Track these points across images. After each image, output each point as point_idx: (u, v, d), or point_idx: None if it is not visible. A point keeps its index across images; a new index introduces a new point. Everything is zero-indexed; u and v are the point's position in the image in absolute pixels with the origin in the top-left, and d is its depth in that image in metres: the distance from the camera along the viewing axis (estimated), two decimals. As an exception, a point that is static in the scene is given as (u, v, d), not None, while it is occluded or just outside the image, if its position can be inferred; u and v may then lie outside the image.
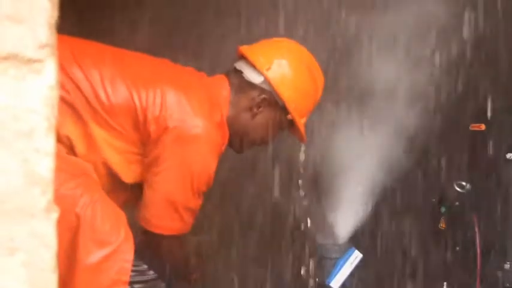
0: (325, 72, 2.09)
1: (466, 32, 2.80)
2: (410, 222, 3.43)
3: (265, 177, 3.17)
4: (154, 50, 2.08)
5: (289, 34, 2.25)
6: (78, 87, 1.77)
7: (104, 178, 1.81)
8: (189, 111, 1.82)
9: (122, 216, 1.75)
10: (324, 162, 3.19)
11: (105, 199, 1.75)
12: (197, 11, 3.10)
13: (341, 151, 3.11)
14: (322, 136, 3.19)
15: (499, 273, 2.47)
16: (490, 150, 2.52)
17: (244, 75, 1.96)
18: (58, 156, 1.00)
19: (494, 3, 2.77)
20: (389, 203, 3.44)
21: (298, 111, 1.98)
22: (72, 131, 1.77)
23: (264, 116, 1.97)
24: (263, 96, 1.95)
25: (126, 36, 2.83)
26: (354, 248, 2.44)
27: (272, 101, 1.95)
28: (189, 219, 1.87)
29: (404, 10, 2.74)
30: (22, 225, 1.02)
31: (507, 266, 2.48)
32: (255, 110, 1.95)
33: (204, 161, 1.84)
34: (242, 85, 1.96)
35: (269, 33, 2.26)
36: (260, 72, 1.94)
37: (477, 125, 2.55)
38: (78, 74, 1.78)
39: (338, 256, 2.41)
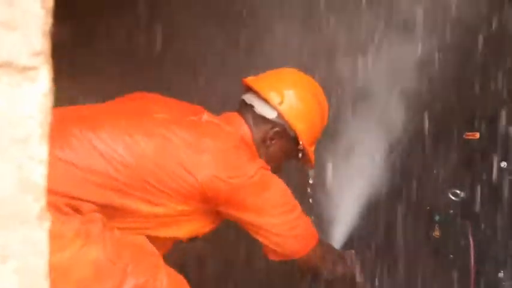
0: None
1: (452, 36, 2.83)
2: (404, 230, 3.44)
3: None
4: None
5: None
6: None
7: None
8: (238, 165, 1.86)
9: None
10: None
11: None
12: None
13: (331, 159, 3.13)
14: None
15: (493, 282, 2.48)
16: (484, 159, 2.53)
17: (256, 110, 1.98)
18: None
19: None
20: (383, 211, 3.45)
21: (309, 140, 2.02)
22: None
23: (276, 148, 2.00)
24: (276, 129, 1.97)
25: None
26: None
27: (284, 132, 1.98)
28: (308, 226, 1.97)
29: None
30: (14, 232, 1.02)
31: (501, 274, 2.48)
32: (268, 142, 1.98)
33: (276, 190, 1.91)
34: (255, 120, 1.98)
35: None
36: (273, 107, 1.96)
37: (471, 133, 2.55)
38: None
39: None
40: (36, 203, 1.03)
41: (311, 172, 2.33)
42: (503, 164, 2.46)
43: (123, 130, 1.78)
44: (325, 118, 2.07)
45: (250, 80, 2.02)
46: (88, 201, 1.71)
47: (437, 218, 2.59)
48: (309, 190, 2.79)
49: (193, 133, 1.84)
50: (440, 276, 3.18)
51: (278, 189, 1.91)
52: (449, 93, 3.42)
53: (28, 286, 1.04)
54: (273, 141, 1.98)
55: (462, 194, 2.53)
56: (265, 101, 1.96)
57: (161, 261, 1.79)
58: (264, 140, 1.97)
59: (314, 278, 2.07)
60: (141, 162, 1.76)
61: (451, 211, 2.56)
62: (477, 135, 2.53)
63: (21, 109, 0.94)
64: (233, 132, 1.92)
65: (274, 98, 1.95)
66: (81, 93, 2.79)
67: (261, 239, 1.92)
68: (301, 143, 1.99)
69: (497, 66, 3.11)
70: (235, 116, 1.98)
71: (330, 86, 2.94)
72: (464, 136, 2.60)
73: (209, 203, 1.83)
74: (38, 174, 1.00)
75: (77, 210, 1.70)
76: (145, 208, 1.77)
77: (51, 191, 1.56)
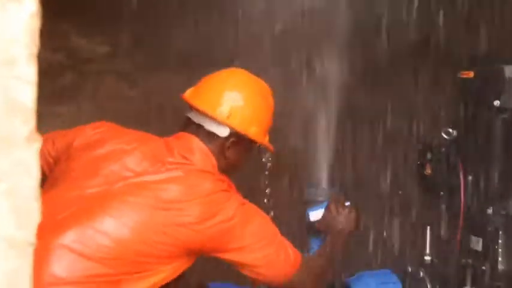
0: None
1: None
2: (397, 169, 3.48)
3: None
4: None
5: None
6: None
7: None
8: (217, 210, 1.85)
9: None
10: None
11: None
12: None
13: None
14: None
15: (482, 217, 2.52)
16: (478, 98, 2.54)
17: (206, 129, 1.95)
18: None
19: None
20: (376, 147, 3.48)
21: (263, 135, 2.03)
22: None
23: (234, 155, 1.99)
24: (231, 140, 1.97)
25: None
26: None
27: (239, 139, 1.98)
28: (289, 250, 1.98)
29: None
30: (4, 154, 1.03)
31: (490, 210, 2.52)
32: (226, 153, 1.97)
33: (255, 225, 1.92)
34: (209, 137, 1.96)
35: None
36: (223, 124, 1.95)
37: (466, 72, 2.55)
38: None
39: (324, 199, 2.44)
40: (24, 125, 1.04)
41: (267, 156, 2.37)
42: (496, 103, 2.46)
43: (94, 220, 1.74)
44: (272, 106, 2.07)
45: (191, 97, 1.99)
46: None
47: (429, 156, 2.61)
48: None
49: (163, 190, 1.82)
50: (431, 213, 3.23)
51: (257, 222, 1.93)
52: (445, 32, 3.43)
53: (19, 207, 1.06)
54: (230, 150, 1.98)
55: (455, 133, 2.55)
56: (213, 119, 1.94)
57: None
58: (221, 153, 1.97)
59: None
60: (122, 245, 1.74)
61: (443, 149, 2.58)
62: (471, 74, 2.53)
63: (8, 31, 0.95)
64: (200, 167, 1.90)
65: (221, 114, 1.94)
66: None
67: (245, 273, 1.95)
68: (257, 143, 2.03)
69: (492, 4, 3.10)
70: (190, 139, 1.95)
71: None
72: (458, 75, 2.60)
73: (195, 252, 1.85)
74: (26, 95, 1.01)
75: None
76: (142, 283, 1.78)
77: None
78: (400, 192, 2.90)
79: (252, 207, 1.94)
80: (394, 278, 2.55)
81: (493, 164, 2.50)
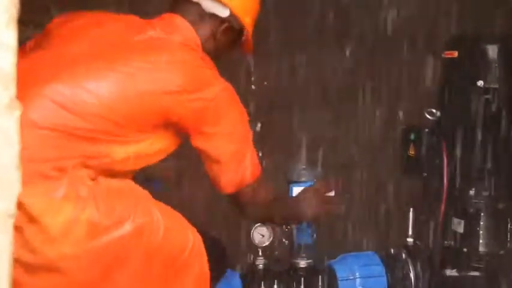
0: None
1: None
2: (380, 149, 3.48)
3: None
4: None
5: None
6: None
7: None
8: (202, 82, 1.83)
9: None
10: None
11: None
12: None
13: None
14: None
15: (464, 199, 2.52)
16: (462, 78, 2.53)
17: (204, 8, 1.94)
18: None
19: None
20: (359, 129, 3.48)
21: (241, 10, 2.01)
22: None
23: (222, 42, 2.00)
24: (226, 25, 1.97)
25: None
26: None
27: (232, 26, 1.99)
28: (255, 159, 1.97)
29: None
30: (-17, 121, 1.00)
31: (472, 192, 2.52)
32: (217, 36, 1.98)
33: (236, 113, 1.91)
34: (202, 17, 1.95)
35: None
36: (225, 4, 1.94)
37: (450, 52, 2.54)
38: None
39: (307, 180, 2.43)
40: (4, 91, 1.01)
41: (251, 59, 2.36)
42: (480, 83, 2.46)
43: (79, 77, 1.74)
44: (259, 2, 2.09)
45: None
46: (66, 158, 1.70)
47: (412, 136, 2.60)
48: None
49: (147, 56, 1.81)
50: (414, 194, 3.23)
51: (236, 113, 1.91)
52: (430, 12, 3.43)
53: (-1, 176, 1.03)
54: (221, 36, 1.98)
55: (438, 113, 2.54)
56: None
57: (152, 200, 1.81)
58: (212, 35, 1.97)
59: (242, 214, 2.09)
60: (106, 105, 1.73)
61: (427, 130, 2.57)
62: (455, 54, 2.52)
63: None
64: (183, 41, 1.89)
65: None
66: None
67: (207, 170, 1.94)
68: (245, 33, 2.01)
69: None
70: (174, 17, 1.93)
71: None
72: (442, 55, 2.59)
73: (172, 126, 1.84)
74: (6, 61, 0.99)
75: (63, 171, 1.69)
76: (119, 150, 1.77)
77: (33, 160, 1.57)
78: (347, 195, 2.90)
79: (234, 96, 1.91)
80: (377, 260, 2.55)
81: (475, 145, 2.49)
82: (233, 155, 1.92)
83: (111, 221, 1.70)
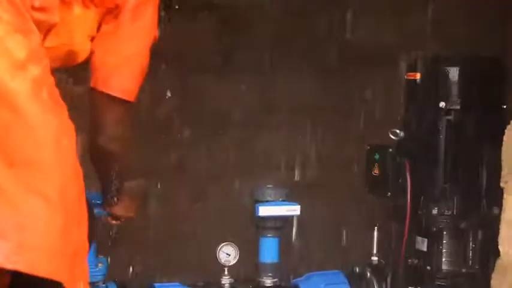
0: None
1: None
2: (345, 169, 3.51)
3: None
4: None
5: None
6: None
7: None
8: None
9: None
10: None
11: None
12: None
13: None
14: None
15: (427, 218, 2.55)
16: (425, 99, 2.57)
17: None
18: None
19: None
20: (324, 148, 3.51)
21: None
22: None
23: None
24: None
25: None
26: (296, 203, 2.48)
27: None
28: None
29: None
30: None
31: (435, 211, 2.55)
32: None
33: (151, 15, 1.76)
34: None
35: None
36: None
37: (412, 73, 2.59)
38: None
39: (273, 199, 2.46)
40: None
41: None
42: (442, 104, 2.50)
43: None
44: None
45: None
46: None
47: (376, 156, 2.64)
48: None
49: None
50: (379, 213, 3.26)
51: (150, 15, 1.76)
52: (391, 34, 3.48)
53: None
54: None
55: (402, 134, 2.58)
56: None
57: None
58: None
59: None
60: None
61: (390, 150, 2.60)
62: (418, 75, 2.57)
63: None
64: None
65: None
66: None
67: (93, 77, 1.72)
68: None
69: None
70: None
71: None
72: (405, 76, 2.63)
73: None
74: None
75: None
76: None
77: None
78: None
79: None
80: (343, 278, 2.57)
81: (438, 165, 2.54)
82: (133, 60, 1.77)
83: None
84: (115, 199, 1.99)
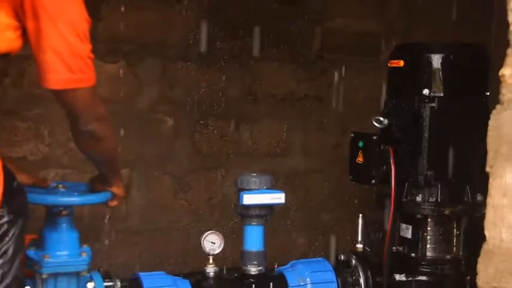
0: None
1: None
2: (329, 156, 3.52)
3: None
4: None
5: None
6: None
7: None
8: None
9: None
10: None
11: None
12: None
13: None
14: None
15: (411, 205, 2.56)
16: (408, 86, 2.57)
17: None
18: None
19: None
20: (309, 136, 3.51)
21: None
22: None
23: None
24: None
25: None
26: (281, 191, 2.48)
27: None
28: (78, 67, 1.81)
29: None
30: None
31: (419, 198, 2.56)
32: None
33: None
34: None
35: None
36: None
37: (396, 61, 2.59)
38: None
39: (257, 187, 2.45)
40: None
41: None
42: (425, 91, 2.51)
43: None
44: None
45: None
46: None
47: (360, 144, 2.64)
48: None
49: None
50: (363, 200, 3.28)
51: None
52: (374, 21, 3.49)
53: None
54: None
55: (385, 121, 2.58)
56: None
57: None
58: None
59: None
60: None
61: (374, 137, 2.61)
62: (401, 63, 2.57)
63: None
64: None
65: None
66: None
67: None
68: None
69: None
70: None
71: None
72: (388, 64, 2.63)
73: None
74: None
75: None
76: None
77: None
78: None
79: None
80: (328, 266, 2.58)
81: (422, 152, 2.54)
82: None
83: None
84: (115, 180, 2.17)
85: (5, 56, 1.81)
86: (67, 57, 1.77)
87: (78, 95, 1.83)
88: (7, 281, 1.84)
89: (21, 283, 1.97)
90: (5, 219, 1.83)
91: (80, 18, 1.80)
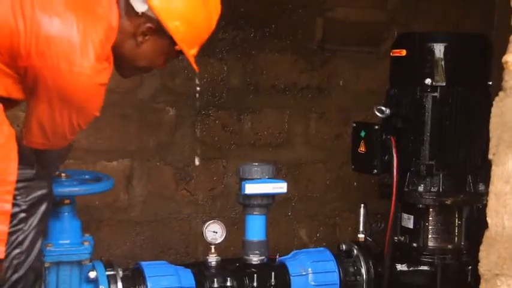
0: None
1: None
2: (331, 146, 3.52)
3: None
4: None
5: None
6: None
7: None
8: (75, 46, 1.71)
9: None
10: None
11: None
12: None
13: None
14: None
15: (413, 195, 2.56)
16: (410, 76, 2.57)
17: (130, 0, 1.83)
18: None
19: None
20: (311, 126, 3.51)
21: (187, 42, 1.89)
22: None
23: (150, 45, 1.88)
24: (148, 25, 1.84)
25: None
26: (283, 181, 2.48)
27: (159, 30, 1.85)
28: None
29: None
30: None
31: (421, 188, 2.56)
32: (139, 38, 1.86)
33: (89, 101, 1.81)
34: (128, 9, 1.83)
35: None
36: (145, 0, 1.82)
37: (398, 50, 2.58)
38: None
39: (259, 177, 2.45)
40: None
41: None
42: (428, 81, 2.50)
43: None
44: (212, 20, 1.93)
45: None
46: None
47: (362, 133, 2.63)
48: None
49: None
50: (365, 190, 3.27)
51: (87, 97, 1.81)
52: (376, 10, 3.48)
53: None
54: (146, 37, 1.86)
55: (387, 111, 2.57)
56: None
57: None
58: (135, 35, 1.85)
59: None
60: None
61: (376, 127, 2.60)
62: (404, 52, 2.56)
63: None
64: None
65: None
66: None
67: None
68: (177, 43, 1.88)
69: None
70: None
71: None
72: (391, 53, 2.63)
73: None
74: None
75: None
76: None
77: None
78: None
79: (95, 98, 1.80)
80: (329, 255, 2.58)
81: (424, 141, 2.54)
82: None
83: None
84: None
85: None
86: (49, 132, 1.83)
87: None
88: (20, 272, 1.83)
89: (39, 274, 1.94)
90: (21, 207, 1.83)
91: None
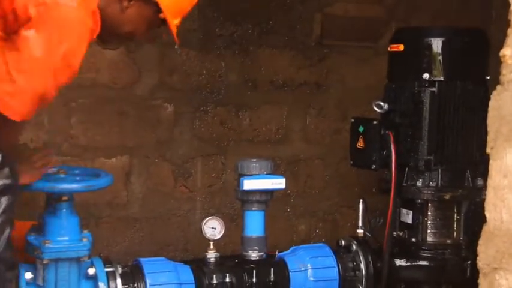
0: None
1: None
2: (330, 142, 3.52)
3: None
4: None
5: None
6: None
7: None
8: None
9: None
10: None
11: None
12: None
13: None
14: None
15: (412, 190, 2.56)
16: (408, 71, 2.57)
17: None
18: None
19: None
20: (309, 122, 3.51)
21: (171, 10, 1.91)
22: None
23: (134, 11, 1.89)
24: None
25: None
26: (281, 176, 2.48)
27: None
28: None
29: None
30: None
31: (419, 183, 2.56)
32: (125, 3, 1.87)
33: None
34: None
35: None
36: None
37: (396, 45, 2.58)
38: None
39: (258, 173, 2.45)
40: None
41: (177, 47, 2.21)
42: (426, 76, 2.50)
43: None
44: None
45: None
46: None
47: (361, 129, 2.63)
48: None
49: None
50: (364, 185, 3.27)
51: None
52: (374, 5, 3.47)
53: None
54: (131, 2, 1.87)
55: (386, 106, 2.57)
56: None
57: None
58: (117, 1, 1.86)
59: None
60: None
61: (375, 122, 2.60)
62: (401, 47, 2.56)
63: None
64: None
65: None
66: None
67: None
68: (162, 11, 1.89)
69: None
70: None
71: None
72: (388, 48, 2.63)
73: None
74: None
75: None
76: None
77: None
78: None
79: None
80: (328, 251, 2.58)
81: (422, 136, 2.54)
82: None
83: None
84: None
85: None
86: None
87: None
88: None
89: (10, 265, 1.91)
90: None
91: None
